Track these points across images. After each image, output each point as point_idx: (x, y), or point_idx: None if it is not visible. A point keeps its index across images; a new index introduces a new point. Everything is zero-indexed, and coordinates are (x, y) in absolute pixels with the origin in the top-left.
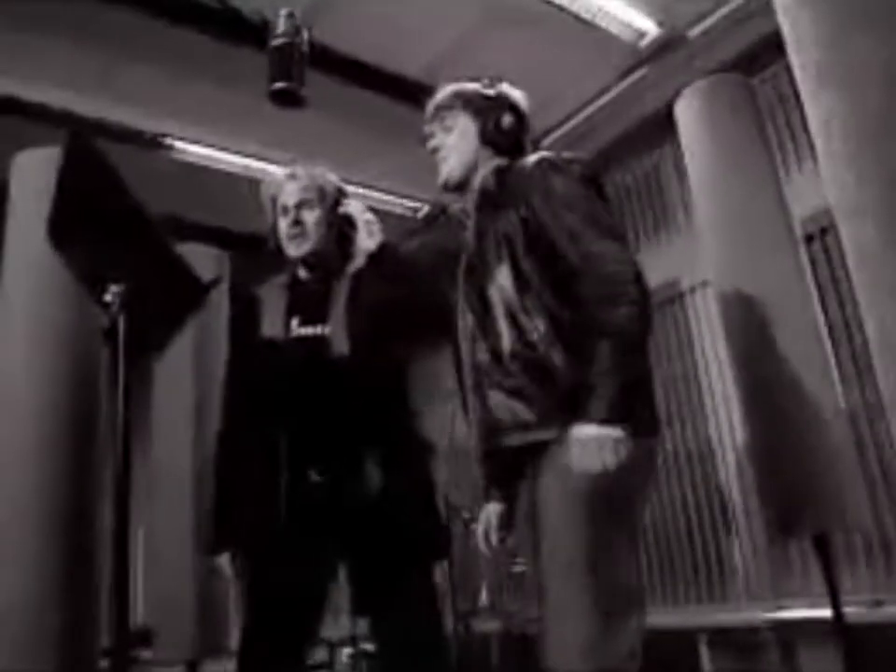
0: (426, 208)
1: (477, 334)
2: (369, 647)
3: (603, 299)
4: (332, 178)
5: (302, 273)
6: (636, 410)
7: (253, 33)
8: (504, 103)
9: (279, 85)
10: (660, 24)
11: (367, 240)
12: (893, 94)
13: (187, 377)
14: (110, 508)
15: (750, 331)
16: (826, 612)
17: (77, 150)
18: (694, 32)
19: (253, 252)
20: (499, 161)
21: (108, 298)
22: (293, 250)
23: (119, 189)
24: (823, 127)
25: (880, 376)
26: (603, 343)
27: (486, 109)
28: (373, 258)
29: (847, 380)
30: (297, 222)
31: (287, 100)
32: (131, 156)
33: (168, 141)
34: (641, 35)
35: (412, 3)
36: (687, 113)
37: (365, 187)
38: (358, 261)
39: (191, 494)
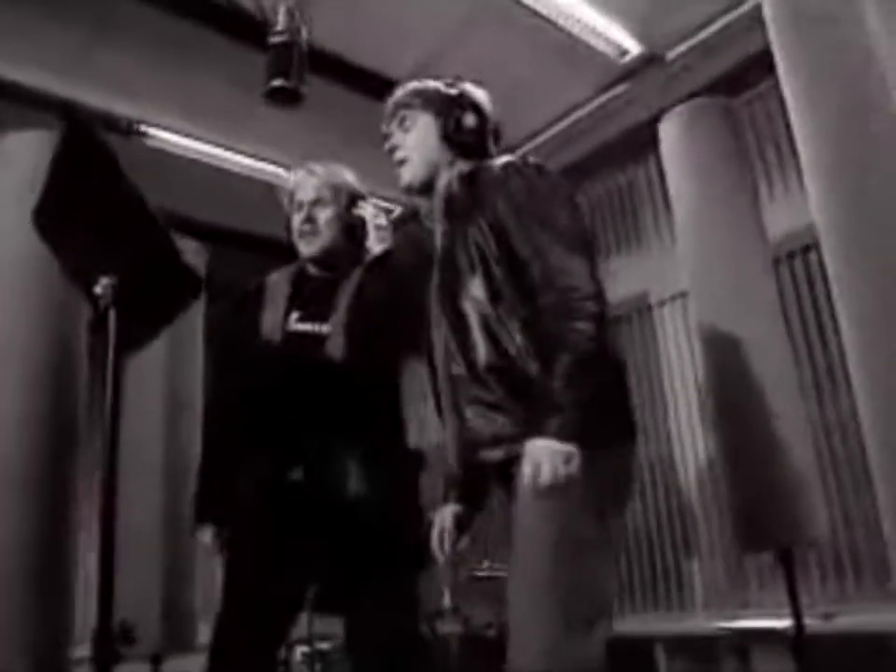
0: (397, 210)
1: (452, 346)
2: (324, 646)
3: (560, 313)
4: (350, 179)
5: (311, 269)
6: (603, 420)
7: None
8: (466, 102)
9: (277, 83)
10: (642, 42)
11: (376, 244)
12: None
13: (159, 369)
14: (89, 506)
15: (722, 347)
16: (780, 623)
17: (75, 137)
18: (675, 52)
19: (230, 244)
20: (463, 165)
21: (99, 290)
22: (304, 247)
23: (119, 179)
24: (810, 146)
25: (857, 390)
26: (560, 358)
27: (447, 108)
28: (378, 263)
29: (809, 398)
30: (309, 219)
31: (284, 98)
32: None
33: (143, 128)
34: (623, 52)
35: (396, 7)
36: (670, 135)
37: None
38: (364, 265)
39: (161, 487)
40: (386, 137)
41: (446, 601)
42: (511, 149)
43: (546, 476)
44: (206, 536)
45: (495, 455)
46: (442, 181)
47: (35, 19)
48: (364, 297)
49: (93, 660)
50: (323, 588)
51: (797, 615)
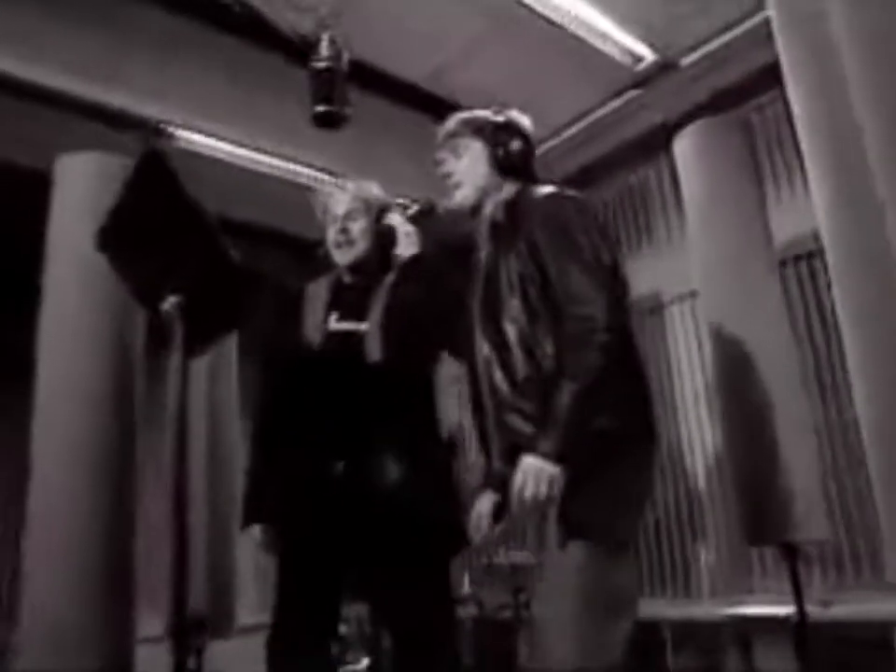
0: (414, 206)
1: (493, 361)
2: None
3: (573, 341)
4: (378, 192)
5: (346, 277)
6: (624, 428)
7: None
8: (513, 129)
9: (321, 109)
10: (655, 50)
11: (406, 250)
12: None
13: (198, 369)
14: (155, 498)
15: (729, 345)
16: (780, 609)
17: (148, 166)
18: (688, 59)
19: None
20: (510, 187)
21: (166, 307)
22: (340, 257)
23: (187, 205)
24: (814, 153)
25: (857, 392)
26: (564, 385)
27: (496, 135)
28: (409, 266)
29: (812, 399)
30: (344, 231)
31: (329, 122)
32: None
33: (171, 129)
34: (638, 59)
35: (414, 13)
36: (684, 149)
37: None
38: (396, 269)
39: (205, 480)
40: (440, 163)
41: (465, 587)
42: None
43: (528, 493)
44: (256, 534)
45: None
46: (489, 206)
47: (62, 22)
48: (397, 298)
49: (173, 647)
50: (366, 573)
51: (800, 606)
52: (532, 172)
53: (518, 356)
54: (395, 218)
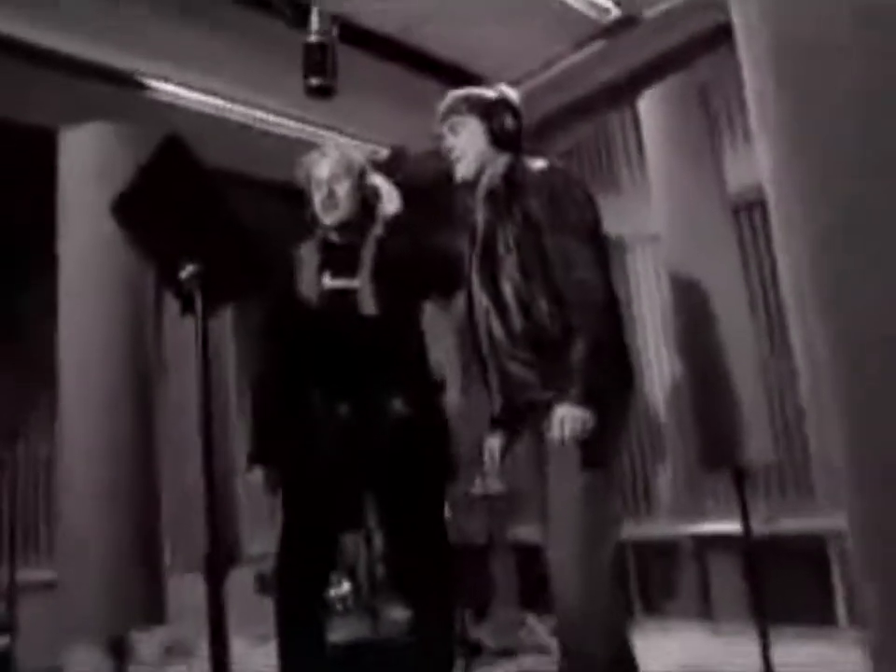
0: (383, 151)
1: (492, 314)
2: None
3: (575, 302)
4: (358, 154)
5: (333, 236)
6: (612, 378)
7: None
8: (506, 105)
9: (315, 81)
10: (618, 4)
11: (388, 205)
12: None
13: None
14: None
15: (688, 286)
16: (730, 527)
17: (168, 152)
18: (650, 13)
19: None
20: (503, 159)
21: (184, 275)
22: (327, 219)
23: (205, 183)
24: (759, 104)
25: (792, 328)
26: (576, 342)
27: (491, 112)
28: (394, 223)
29: (761, 335)
30: (330, 195)
31: (321, 93)
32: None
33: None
34: (603, 10)
35: None
36: (649, 109)
37: (326, 127)
38: (381, 226)
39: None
40: (442, 138)
41: (447, 514)
42: None
43: (568, 433)
44: (258, 475)
45: (526, 397)
46: (486, 176)
47: None
48: (385, 254)
49: (207, 575)
50: (370, 500)
51: (747, 524)
52: (520, 143)
53: (514, 309)
54: (377, 179)
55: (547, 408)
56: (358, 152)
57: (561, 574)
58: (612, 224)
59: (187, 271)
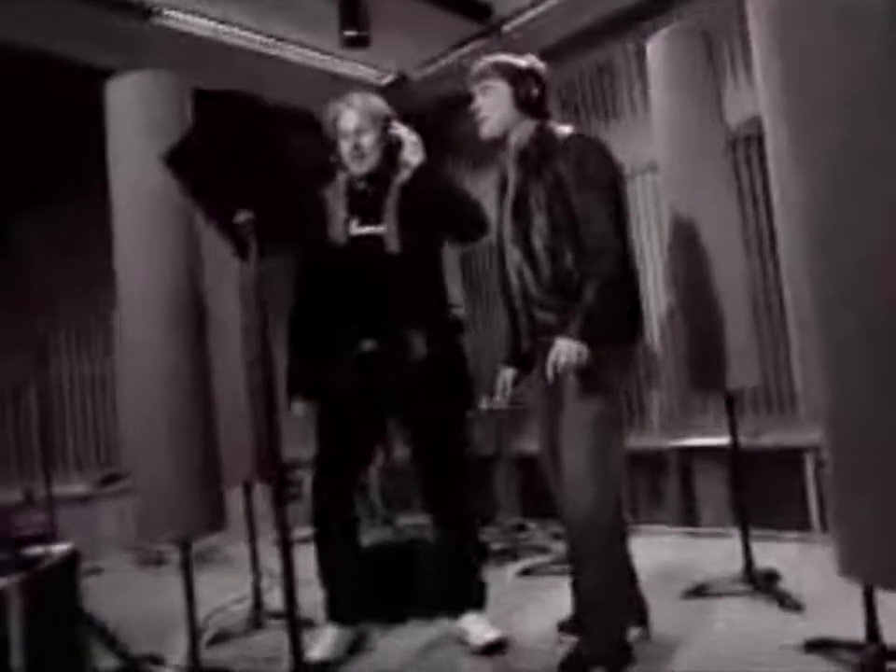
0: (388, 76)
1: (524, 265)
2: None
3: (592, 250)
4: (383, 105)
5: (360, 184)
6: (622, 323)
7: None
8: (534, 75)
9: (350, 33)
10: None
11: (412, 157)
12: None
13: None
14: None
15: (685, 215)
16: (716, 440)
17: (225, 105)
18: None
19: None
20: (529, 123)
21: (239, 221)
22: (355, 168)
23: (261, 136)
24: (761, 42)
25: (781, 256)
26: (590, 284)
27: (519, 79)
28: (418, 171)
29: (753, 264)
30: (357, 146)
31: (356, 43)
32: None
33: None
34: None
35: None
36: (655, 51)
37: (325, 53)
38: (404, 174)
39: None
40: (472, 99)
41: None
42: (492, 29)
43: (562, 363)
44: (298, 408)
45: (548, 339)
46: (514, 137)
47: None
48: (408, 200)
49: (273, 488)
50: (398, 424)
51: (734, 437)
52: (547, 111)
53: (544, 262)
54: (400, 129)
55: None
56: (383, 103)
57: (574, 483)
58: (616, 154)
59: (242, 217)
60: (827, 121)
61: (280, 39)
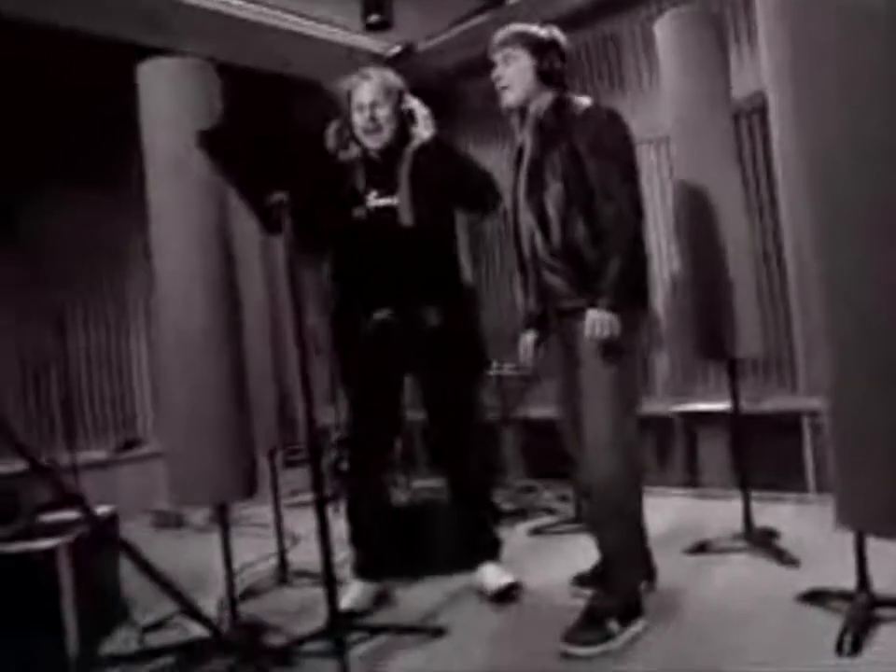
0: (395, 48)
1: (536, 231)
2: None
3: (613, 225)
4: (397, 79)
5: (375, 155)
6: (636, 293)
7: None
8: (556, 46)
9: (374, 18)
10: None
11: (424, 130)
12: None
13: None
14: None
15: (691, 185)
16: (718, 406)
17: (257, 92)
18: None
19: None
20: (548, 94)
21: (272, 201)
22: (371, 141)
23: (294, 122)
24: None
25: (784, 218)
26: (613, 259)
27: (542, 50)
28: (430, 144)
29: (755, 234)
30: (373, 119)
31: (380, 27)
32: None
33: None
34: None
35: None
36: (665, 31)
37: (335, 26)
38: (416, 146)
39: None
40: (493, 67)
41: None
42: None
43: (597, 334)
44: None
45: (560, 304)
46: (533, 107)
47: None
48: (420, 173)
49: (310, 455)
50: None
51: (736, 403)
52: (565, 81)
53: (556, 230)
54: (413, 103)
55: (575, 313)
56: (397, 77)
57: (596, 445)
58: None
59: (275, 198)
60: (830, 113)
61: (284, 10)
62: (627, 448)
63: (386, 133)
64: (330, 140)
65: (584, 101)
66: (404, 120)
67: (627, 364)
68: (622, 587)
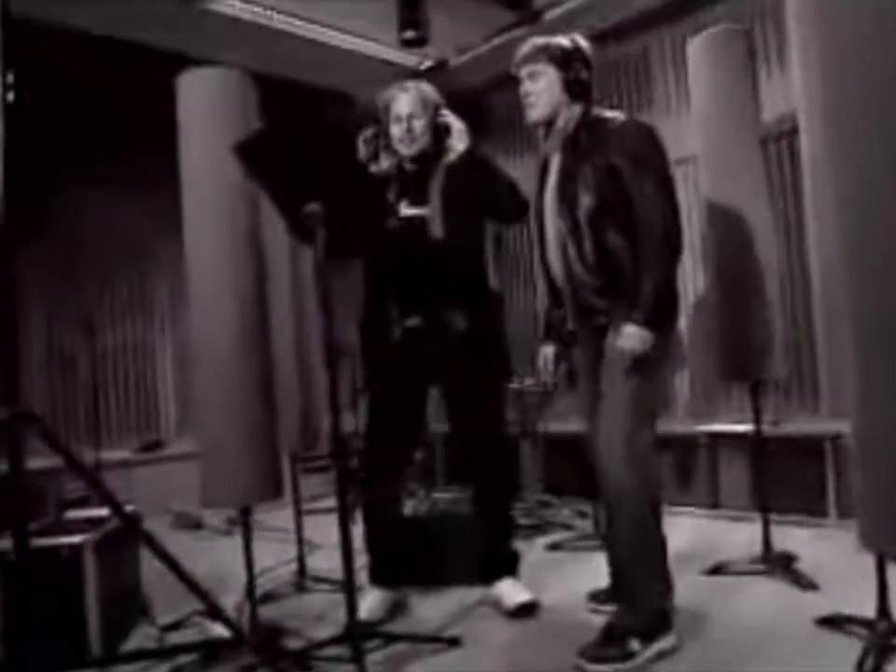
0: (426, 62)
1: (569, 243)
2: None
3: (649, 240)
4: (434, 93)
5: (409, 165)
6: (667, 314)
7: None
8: (582, 58)
9: (410, 34)
10: None
11: (458, 143)
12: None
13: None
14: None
15: (719, 211)
16: (739, 427)
17: (296, 104)
18: None
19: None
20: (576, 108)
21: (306, 211)
22: (405, 150)
23: (330, 135)
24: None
25: (812, 239)
26: (648, 277)
27: (567, 62)
28: (464, 158)
29: (781, 255)
30: (409, 129)
31: (416, 44)
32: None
33: None
34: None
35: None
36: (696, 51)
37: (369, 39)
38: (450, 158)
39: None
40: (520, 83)
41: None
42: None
43: (630, 349)
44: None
45: (592, 317)
46: (561, 120)
47: None
48: (453, 184)
49: (334, 459)
50: (442, 393)
51: (758, 425)
52: (592, 93)
53: (589, 241)
54: (449, 116)
55: (606, 327)
56: (434, 90)
57: (610, 459)
58: None
59: (309, 209)
60: (864, 118)
61: (322, 24)
62: (641, 462)
63: (421, 143)
64: (362, 148)
65: (618, 115)
66: (440, 133)
67: (649, 380)
68: (642, 603)
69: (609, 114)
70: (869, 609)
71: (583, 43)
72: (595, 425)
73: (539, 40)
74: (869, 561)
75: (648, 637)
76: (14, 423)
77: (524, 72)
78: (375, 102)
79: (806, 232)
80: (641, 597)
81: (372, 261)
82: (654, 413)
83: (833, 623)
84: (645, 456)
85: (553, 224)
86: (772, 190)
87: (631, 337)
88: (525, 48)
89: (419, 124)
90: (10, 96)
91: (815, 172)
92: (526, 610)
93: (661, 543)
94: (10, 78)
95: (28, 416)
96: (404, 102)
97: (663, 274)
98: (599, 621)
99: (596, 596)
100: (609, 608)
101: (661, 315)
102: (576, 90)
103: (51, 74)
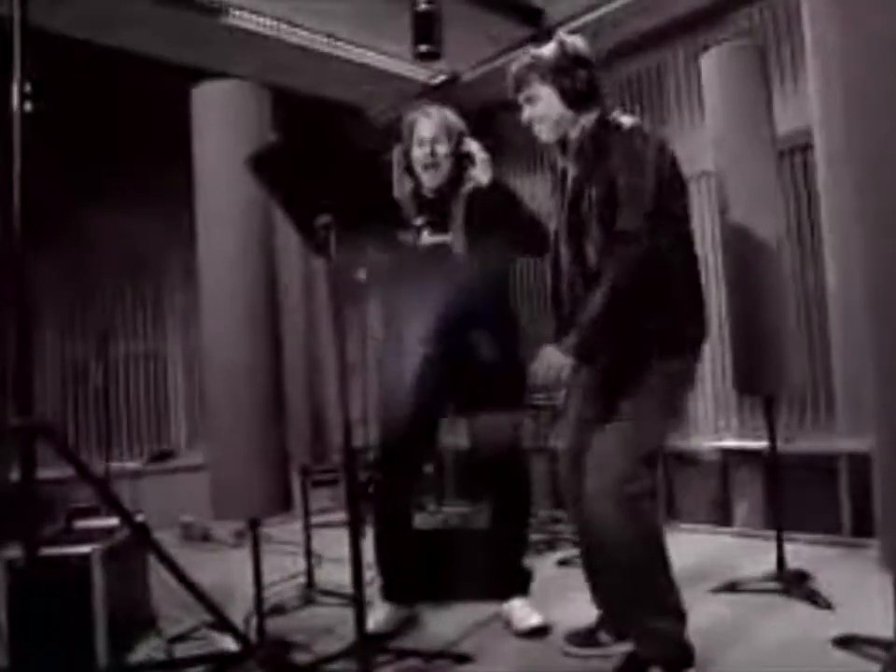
0: (440, 76)
1: (575, 270)
2: None
3: (609, 251)
4: (458, 120)
5: (429, 192)
6: (673, 331)
7: None
8: (574, 60)
9: (423, 48)
10: None
11: (482, 175)
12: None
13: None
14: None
15: (735, 226)
16: (752, 443)
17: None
18: None
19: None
20: (588, 116)
21: (319, 223)
22: (428, 179)
23: (343, 147)
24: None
25: (827, 267)
26: (598, 291)
27: (561, 75)
28: (488, 187)
29: (796, 272)
30: (432, 154)
31: (429, 58)
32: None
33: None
34: None
35: None
36: (710, 65)
37: (381, 52)
38: (471, 187)
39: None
40: (520, 108)
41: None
42: (550, 30)
43: (540, 374)
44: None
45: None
46: (573, 134)
47: None
48: (474, 213)
49: (345, 471)
50: (459, 412)
51: (773, 441)
52: (600, 95)
53: (592, 258)
54: (472, 145)
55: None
56: (457, 117)
57: (594, 488)
58: None
59: (322, 221)
60: (882, 121)
61: (332, 36)
62: (635, 513)
63: (443, 169)
64: (395, 168)
65: (625, 120)
66: (462, 162)
67: (656, 414)
68: (656, 632)
69: (619, 119)
70: (883, 629)
71: (571, 40)
72: (573, 447)
73: (525, 57)
74: (884, 580)
75: (672, 668)
76: (30, 434)
77: (520, 98)
78: (399, 122)
79: (822, 247)
80: (658, 625)
81: (392, 285)
82: (656, 449)
83: (848, 643)
84: (638, 495)
85: (563, 248)
86: (787, 204)
87: (541, 360)
88: (514, 69)
89: (442, 149)
90: (28, 106)
91: (830, 185)
92: (538, 634)
93: (667, 567)
94: (28, 88)
95: (44, 428)
96: (427, 126)
97: (610, 293)
98: (608, 639)
99: (572, 639)
100: (586, 651)
101: (607, 340)
102: (579, 98)
103: (67, 86)
